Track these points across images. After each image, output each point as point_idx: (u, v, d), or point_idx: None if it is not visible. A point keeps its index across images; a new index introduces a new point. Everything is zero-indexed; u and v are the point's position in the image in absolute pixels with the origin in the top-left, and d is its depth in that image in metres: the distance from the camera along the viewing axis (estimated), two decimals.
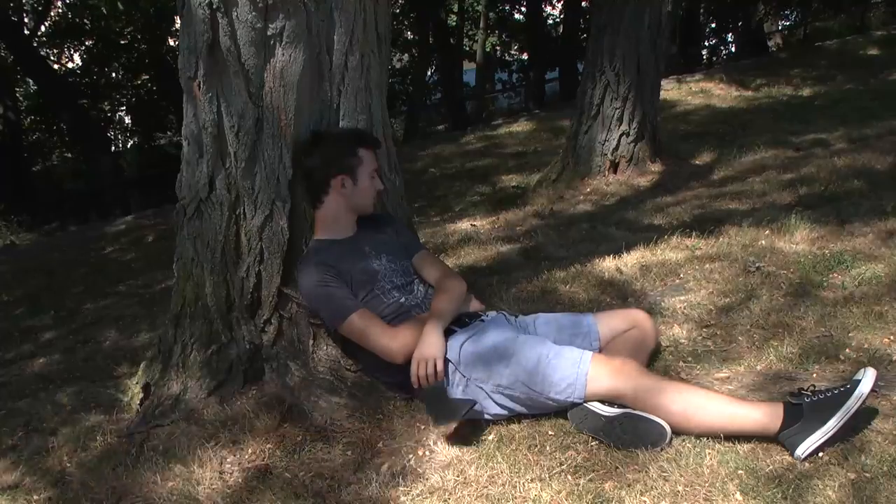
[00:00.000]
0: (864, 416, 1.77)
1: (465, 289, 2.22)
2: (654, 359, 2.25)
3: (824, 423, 1.67)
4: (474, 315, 2.17)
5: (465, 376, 2.00)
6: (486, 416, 2.01)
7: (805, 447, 1.67)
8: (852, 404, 1.68)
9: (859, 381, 1.71)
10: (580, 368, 1.87)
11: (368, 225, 2.27)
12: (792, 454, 1.69)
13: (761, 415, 1.75)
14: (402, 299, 2.16)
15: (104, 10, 10.98)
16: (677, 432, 1.81)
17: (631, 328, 2.15)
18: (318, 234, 2.22)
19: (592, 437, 1.87)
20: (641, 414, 1.80)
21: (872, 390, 1.85)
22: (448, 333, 2.06)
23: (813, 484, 1.60)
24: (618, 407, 1.84)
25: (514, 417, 2.01)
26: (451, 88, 15.40)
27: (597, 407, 1.86)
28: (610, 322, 2.18)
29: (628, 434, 1.79)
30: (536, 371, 1.90)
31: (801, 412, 1.70)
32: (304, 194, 2.21)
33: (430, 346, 1.99)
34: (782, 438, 1.72)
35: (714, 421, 1.77)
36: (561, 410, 1.95)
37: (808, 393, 1.75)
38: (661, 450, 1.77)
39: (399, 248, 2.28)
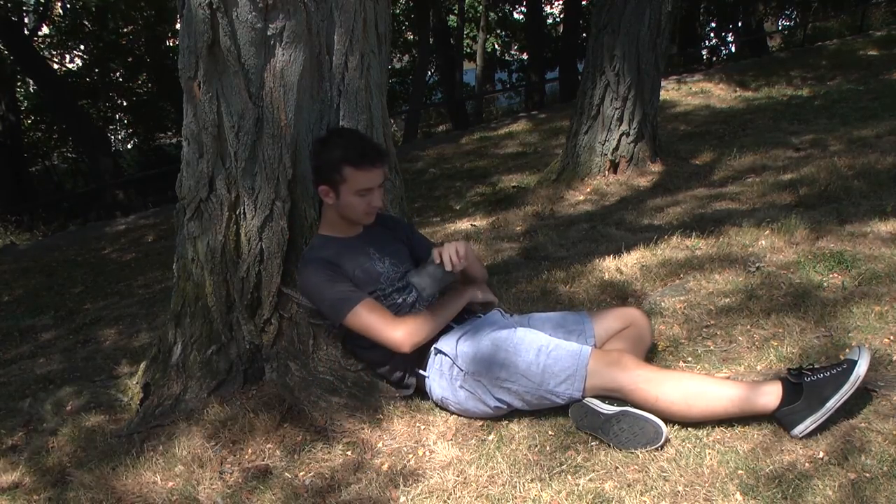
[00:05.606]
0: (862, 402, 1.81)
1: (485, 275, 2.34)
2: (653, 359, 2.25)
3: (823, 404, 1.72)
4: (470, 311, 2.19)
5: (463, 370, 2.01)
6: (486, 409, 2.02)
7: (804, 427, 1.72)
8: (849, 388, 1.72)
9: (856, 361, 1.74)
10: (580, 360, 1.89)
11: (379, 225, 2.23)
12: (789, 432, 1.75)
13: (761, 394, 1.78)
14: (400, 299, 2.17)
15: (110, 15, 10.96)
16: (682, 421, 1.84)
17: (626, 327, 2.16)
18: (321, 230, 2.21)
19: (592, 437, 1.88)
20: (638, 413, 1.82)
21: (872, 391, 1.86)
22: (445, 329, 2.08)
23: (813, 484, 1.60)
24: (617, 404, 1.86)
25: (514, 417, 2.01)
26: (451, 89, 15.41)
27: (596, 404, 1.88)
28: (605, 321, 2.18)
29: (625, 432, 1.81)
30: (537, 362, 1.92)
31: (800, 392, 1.74)
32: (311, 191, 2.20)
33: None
34: (780, 415, 1.76)
35: (716, 405, 1.80)
36: (560, 409, 1.95)
37: (808, 372, 1.78)
38: (661, 448, 1.78)
39: (405, 253, 2.27)
